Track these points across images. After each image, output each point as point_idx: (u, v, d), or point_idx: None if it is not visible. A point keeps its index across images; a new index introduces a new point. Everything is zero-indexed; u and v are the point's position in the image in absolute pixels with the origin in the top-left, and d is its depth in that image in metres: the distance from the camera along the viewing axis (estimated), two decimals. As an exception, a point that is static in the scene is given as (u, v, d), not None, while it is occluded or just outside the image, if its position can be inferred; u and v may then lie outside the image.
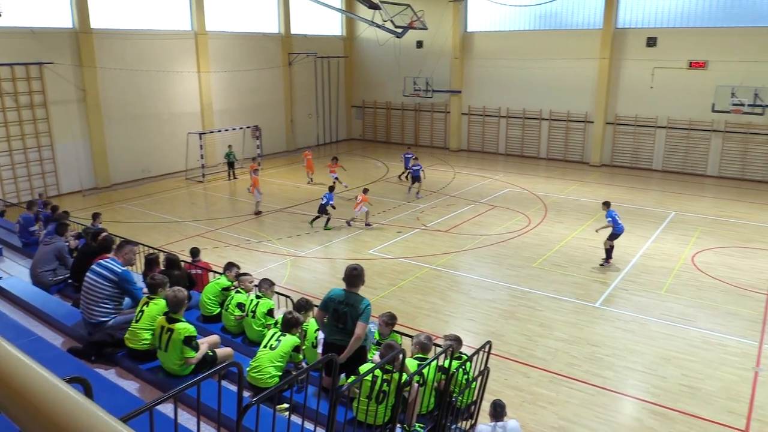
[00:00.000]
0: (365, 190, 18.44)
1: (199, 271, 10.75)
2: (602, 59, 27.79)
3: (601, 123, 28.48)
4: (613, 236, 14.93)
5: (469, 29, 31.93)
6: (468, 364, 6.86)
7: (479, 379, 7.03)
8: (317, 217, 18.21)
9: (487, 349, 7.15)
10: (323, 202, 17.98)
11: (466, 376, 6.76)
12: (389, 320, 7.34)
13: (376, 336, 7.39)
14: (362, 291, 6.32)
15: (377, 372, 5.50)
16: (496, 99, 31.65)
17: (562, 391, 9.40)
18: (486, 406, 7.06)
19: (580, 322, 11.94)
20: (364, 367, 5.83)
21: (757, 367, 10.22)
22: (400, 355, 5.59)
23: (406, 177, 23.71)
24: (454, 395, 6.46)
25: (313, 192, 22.81)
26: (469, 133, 33.10)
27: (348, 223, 18.23)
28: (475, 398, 7.11)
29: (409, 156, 24.10)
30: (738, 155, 25.97)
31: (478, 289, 13.68)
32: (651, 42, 26.83)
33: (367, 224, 18.30)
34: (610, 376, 9.88)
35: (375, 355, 6.64)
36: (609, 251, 15.13)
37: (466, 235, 17.53)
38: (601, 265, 15.14)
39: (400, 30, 25.65)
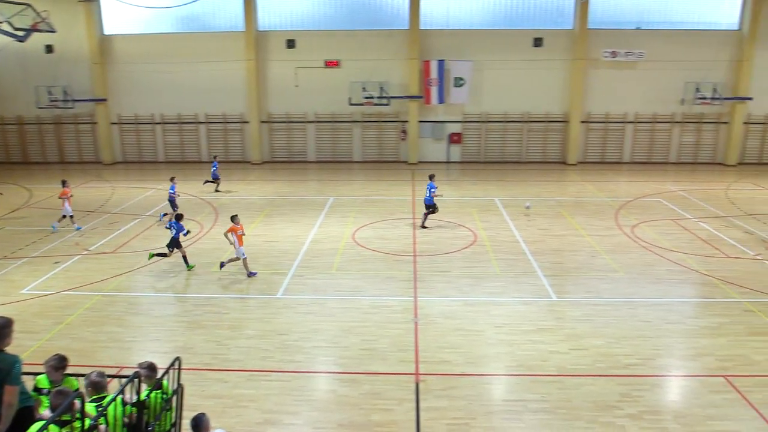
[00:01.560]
0: (234, 217, 14.77)
1: None
2: (248, 61, 28.83)
3: (256, 122, 29.63)
4: (426, 205, 18.17)
5: (106, 32, 29.58)
6: (165, 386, 6.51)
7: (174, 398, 6.75)
8: (171, 254, 15.08)
9: (176, 366, 6.89)
10: (175, 235, 14.69)
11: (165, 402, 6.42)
12: (58, 363, 6.43)
13: (46, 384, 6.37)
14: (20, 339, 5.44)
15: (51, 428, 4.79)
16: (148, 105, 30.18)
17: (261, 385, 9.64)
18: (186, 423, 6.82)
19: (267, 315, 12.37)
20: (33, 428, 5.00)
21: (415, 317, 12.08)
22: (77, 401, 4.99)
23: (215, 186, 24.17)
24: (150, 425, 6.08)
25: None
26: (122, 144, 30.90)
27: (221, 265, 14.64)
28: (173, 420, 6.81)
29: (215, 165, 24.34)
30: (375, 141, 29.99)
31: (159, 306, 13.01)
32: (290, 44, 28.90)
33: (251, 274, 14.52)
34: (302, 359, 10.53)
35: (46, 411, 5.75)
36: (426, 215, 18.26)
37: (137, 253, 16.44)
38: (423, 226, 18.19)
39: (21, 33, 22.33)
